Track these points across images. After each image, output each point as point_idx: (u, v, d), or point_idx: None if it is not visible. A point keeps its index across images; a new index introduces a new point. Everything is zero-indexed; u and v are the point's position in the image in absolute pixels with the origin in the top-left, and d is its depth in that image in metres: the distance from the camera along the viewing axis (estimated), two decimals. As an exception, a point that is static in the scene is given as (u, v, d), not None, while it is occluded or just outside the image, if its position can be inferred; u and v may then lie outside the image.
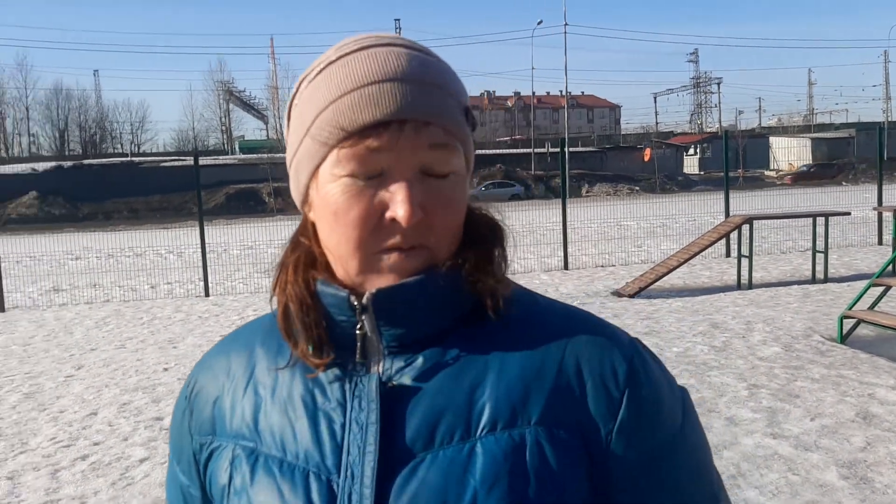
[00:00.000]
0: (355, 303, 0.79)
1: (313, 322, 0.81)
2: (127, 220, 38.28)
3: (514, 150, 61.04)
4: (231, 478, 0.83)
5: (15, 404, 6.74)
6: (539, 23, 63.43)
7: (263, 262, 16.82)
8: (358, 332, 0.80)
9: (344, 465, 0.77)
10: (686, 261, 10.89)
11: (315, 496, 0.76)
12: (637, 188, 44.26)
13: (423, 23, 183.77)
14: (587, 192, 45.85)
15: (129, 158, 57.66)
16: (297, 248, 0.85)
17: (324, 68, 0.79)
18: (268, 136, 78.55)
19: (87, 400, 6.72)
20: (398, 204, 0.75)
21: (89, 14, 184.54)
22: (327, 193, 0.78)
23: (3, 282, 12.14)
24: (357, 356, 0.81)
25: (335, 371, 0.81)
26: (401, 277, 0.78)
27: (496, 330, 0.81)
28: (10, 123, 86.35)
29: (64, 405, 6.60)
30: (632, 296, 10.38)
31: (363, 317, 0.79)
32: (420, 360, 0.80)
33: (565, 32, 54.63)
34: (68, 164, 49.68)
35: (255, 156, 53.47)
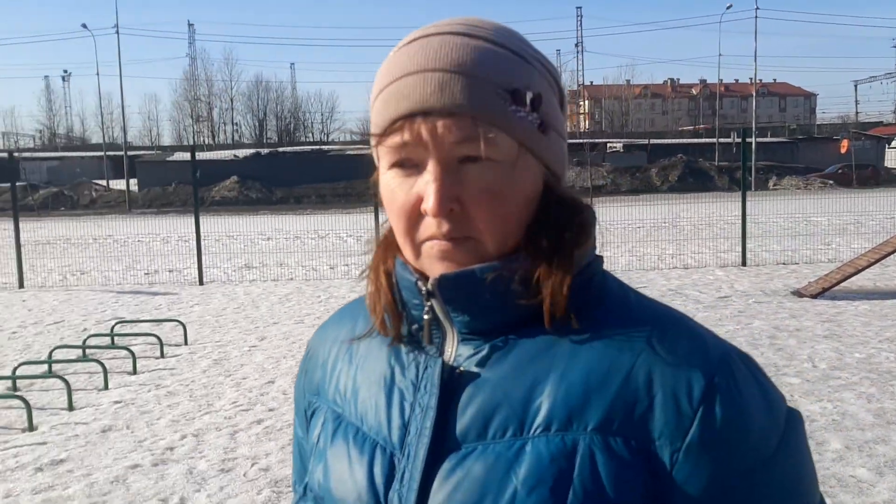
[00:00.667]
0: (423, 288, 0.80)
1: (392, 302, 0.85)
2: (315, 204, 40.41)
3: (697, 140, 58.55)
4: (319, 437, 0.89)
5: (205, 369, 7.43)
6: (728, 7, 60.02)
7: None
8: (426, 316, 0.82)
9: (405, 443, 0.80)
10: (877, 261, 10.02)
11: (377, 468, 0.80)
12: (830, 182, 41.05)
13: (607, 10, 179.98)
14: (775, 184, 43.13)
15: (318, 146, 60.96)
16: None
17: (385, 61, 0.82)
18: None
19: (266, 369, 7.29)
20: (428, 197, 0.76)
21: (289, 9, 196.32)
22: (382, 183, 0.81)
23: (203, 258, 13.30)
24: (425, 339, 0.83)
25: (416, 352, 0.84)
26: (453, 266, 0.78)
27: (571, 327, 0.78)
28: (216, 113, 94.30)
29: (246, 373, 7.20)
30: (814, 296, 9.72)
31: (431, 301, 0.81)
32: (487, 349, 0.80)
33: (756, 17, 51.54)
34: (265, 151, 53.24)
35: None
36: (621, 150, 54.00)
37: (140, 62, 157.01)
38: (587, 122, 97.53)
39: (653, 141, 57.25)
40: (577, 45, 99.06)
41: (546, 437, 0.74)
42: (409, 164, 0.78)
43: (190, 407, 6.21)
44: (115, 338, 8.47)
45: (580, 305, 0.78)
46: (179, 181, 42.86)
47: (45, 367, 7.38)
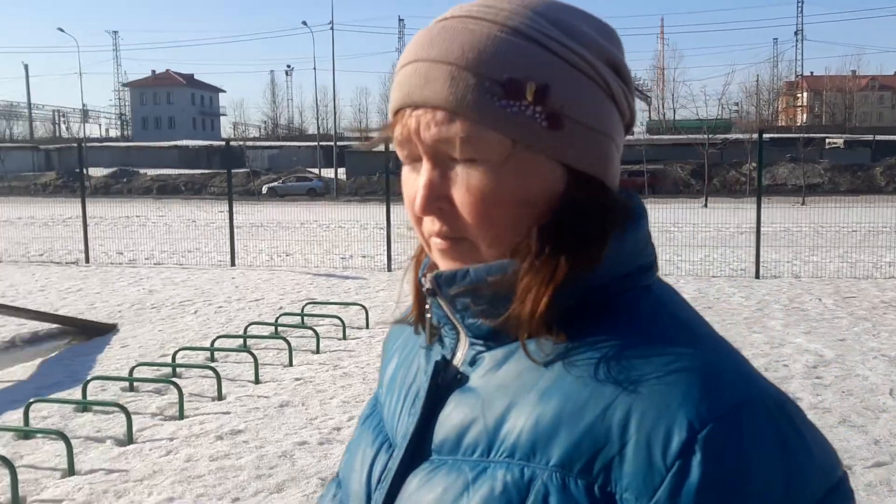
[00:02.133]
0: (425, 285, 0.77)
1: (417, 297, 0.83)
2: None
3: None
4: (360, 420, 0.92)
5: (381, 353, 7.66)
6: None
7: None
8: (427, 315, 0.80)
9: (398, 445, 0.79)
10: None
11: (378, 465, 0.80)
12: None
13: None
14: None
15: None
16: None
17: None
18: (650, 117, 77.79)
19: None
20: (417, 195, 0.72)
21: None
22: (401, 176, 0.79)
23: (393, 245, 13.80)
24: (426, 338, 0.82)
25: (438, 351, 0.80)
26: (455, 265, 0.74)
27: (570, 343, 0.70)
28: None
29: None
30: None
31: (435, 299, 0.77)
32: (484, 357, 0.75)
33: None
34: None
35: (632, 137, 53.39)
36: (842, 147, 49.79)
37: (353, 57, 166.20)
38: (805, 116, 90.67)
39: (879, 137, 52.08)
40: (796, 34, 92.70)
41: (507, 464, 0.67)
42: (414, 159, 0.75)
43: (362, 389, 6.42)
44: (305, 318, 8.98)
45: (580, 323, 0.70)
46: (384, 171, 44.90)
47: (241, 341, 7.95)
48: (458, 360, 0.77)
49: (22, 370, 7.28)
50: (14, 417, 5.68)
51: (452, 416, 0.73)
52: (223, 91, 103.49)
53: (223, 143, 16.45)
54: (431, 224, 0.74)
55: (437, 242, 0.75)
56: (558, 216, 0.71)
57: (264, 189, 44.65)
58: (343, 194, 43.69)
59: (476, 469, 0.69)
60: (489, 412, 0.71)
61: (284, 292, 11.39)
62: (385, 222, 13.77)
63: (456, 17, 0.72)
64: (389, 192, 14.03)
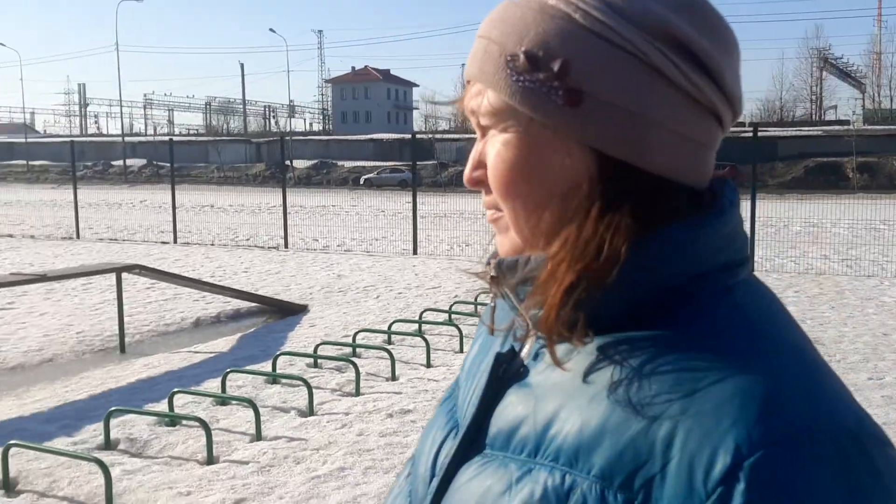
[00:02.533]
0: (490, 272, 0.74)
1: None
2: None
3: None
4: (440, 402, 0.89)
5: (550, 345, 7.72)
6: None
7: (822, 241, 15.66)
8: (492, 304, 0.79)
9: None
10: None
11: (444, 450, 0.77)
12: None
13: None
14: None
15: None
16: None
17: None
18: (864, 106, 71.39)
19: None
20: None
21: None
22: None
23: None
24: (490, 328, 0.80)
25: (510, 342, 0.77)
26: (501, 241, 0.74)
27: (626, 347, 0.65)
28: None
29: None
30: None
31: (496, 286, 0.74)
32: (545, 352, 0.70)
33: None
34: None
35: (841, 127, 49.41)
36: None
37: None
38: None
39: None
40: None
41: (551, 468, 0.64)
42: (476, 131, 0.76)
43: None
44: (478, 307, 9.20)
45: (642, 325, 0.65)
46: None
47: (416, 326, 8.31)
48: (525, 352, 0.73)
49: (224, 343, 8.07)
50: (213, 385, 6.33)
51: (507, 410, 0.70)
52: (416, 85, 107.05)
53: (411, 136, 17.01)
54: (484, 195, 0.74)
55: (488, 214, 0.75)
56: (581, 206, 0.66)
57: (361, 180, 46.76)
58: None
59: (521, 469, 0.66)
60: (540, 411, 0.67)
61: (461, 281, 11.71)
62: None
63: None
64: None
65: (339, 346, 7.44)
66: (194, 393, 5.90)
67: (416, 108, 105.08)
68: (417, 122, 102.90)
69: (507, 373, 0.73)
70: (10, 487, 4.39)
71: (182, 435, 5.17)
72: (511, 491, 0.65)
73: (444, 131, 63.46)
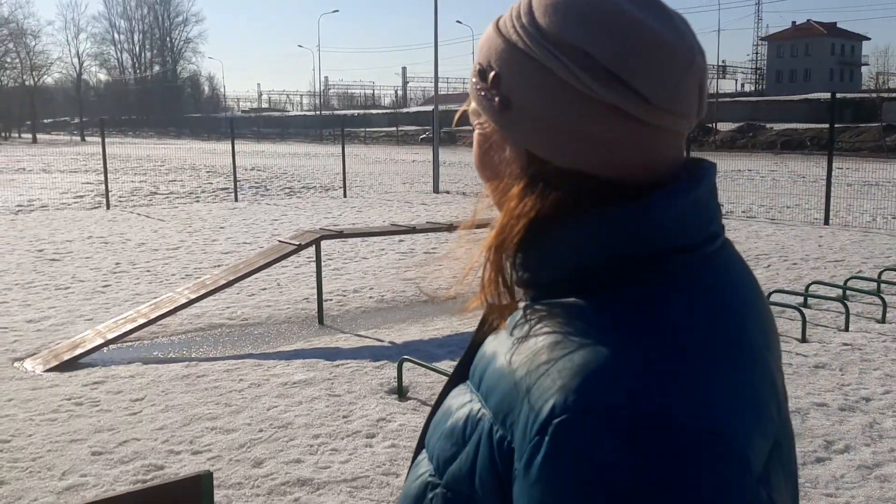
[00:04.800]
0: None
1: None
2: None
3: None
4: None
5: (960, 334, 6.73)
6: None
7: None
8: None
9: None
10: None
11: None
12: None
13: None
14: None
15: None
16: None
17: None
18: None
19: None
20: None
21: None
22: None
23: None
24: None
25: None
26: None
27: (539, 312, 0.76)
28: None
29: None
30: None
31: None
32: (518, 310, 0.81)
33: None
34: None
35: None
36: None
37: None
38: None
39: None
40: None
41: (479, 398, 0.79)
42: None
43: None
44: (881, 284, 8.33)
45: (570, 296, 0.74)
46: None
47: (801, 298, 7.85)
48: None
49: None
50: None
51: (479, 352, 0.84)
52: (867, 38, 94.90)
53: (859, 95, 15.44)
54: None
55: None
56: (509, 189, 0.79)
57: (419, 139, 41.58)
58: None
59: (468, 397, 0.81)
60: (487, 353, 0.81)
61: (870, 256, 10.57)
62: None
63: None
64: None
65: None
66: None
67: (866, 65, 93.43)
68: (866, 80, 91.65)
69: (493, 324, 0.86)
70: (402, 393, 5.42)
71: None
72: (459, 409, 0.81)
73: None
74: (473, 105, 0.83)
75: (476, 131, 0.84)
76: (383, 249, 11.48)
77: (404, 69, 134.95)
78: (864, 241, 11.79)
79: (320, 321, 7.66)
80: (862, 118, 45.77)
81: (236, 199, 19.53)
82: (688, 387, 0.66)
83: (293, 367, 6.05)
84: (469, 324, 7.40)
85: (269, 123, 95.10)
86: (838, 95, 17.65)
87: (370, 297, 8.69)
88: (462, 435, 0.77)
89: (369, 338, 7.05)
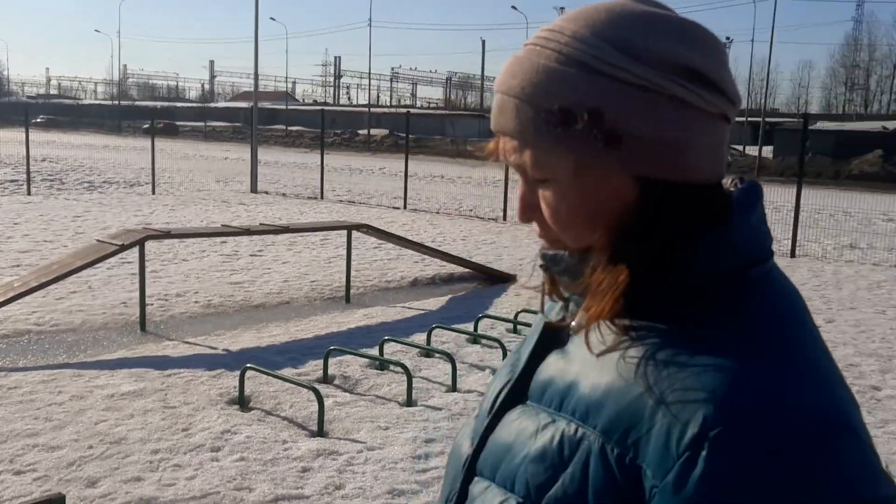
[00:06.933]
0: (539, 261, 0.88)
1: None
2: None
3: None
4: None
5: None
6: None
7: None
8: (543, 283, 0.92)
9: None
10: None
11: (501, 395, 0.89)
12: None
13: None
14: None
15: None
16: None
17: None
18: None
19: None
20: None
21: None
22: None
23: (799, 231, 12.94)
24: (540, 305, 0.94)
25: (562, 314, 0.91)
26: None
27: (644, 332, 0.75)
28: (873, 81, 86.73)
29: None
30: None
31: (546, 272, 0.88)
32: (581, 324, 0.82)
33: None
34: (921, 123, 47.26)
35: None
36: None
37: (798, 27, 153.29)
38: None
39: None
40: None
41: (569, 420, 0.77)
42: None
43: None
44: None
45: (677, 311, 0.75)
46: (817, 152, 41.22)
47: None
48: (571, 324, 0.85)
49: (434, 302, 8.66)
50: (420, 338, 6.87)
51: (545, 370, 0.84)
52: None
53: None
54: (533, 227, 0.85)
55: (542, 242, 0.87)
56: (626, 222, 0.77)
57: None
58: (766, 173, 41.23)
59: (548, 418, 0.79)
60: (568, 374, 0.80)
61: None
62: (794, 206, 12.95)
63: (529, 44, 0.80)
64: (802, 176, 13.06)
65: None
66: (403, 343, 6.49)
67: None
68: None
69: (553, 339, 0.86)
70: (244, 403, 5.18)
71: (388, 378, 5.76)
72: (538, 434, 0.79)
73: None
74: (542, 155, 0.79)
75: (557, 184, 0.79)
76: (204, 251, 10.92)
77: (212, 62, 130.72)
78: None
79: (142, 327, 7.18)
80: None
81: (29, 193, 17.89)
82: (815, 384, 0.70)
83: (119, 377, 5.61)
84: (305, 330, 7.23)
85: (60, 111, 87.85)
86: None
87: (196, 302, 8.24)
88: (559, 457, 0.76)
89: (200, 345, 6.67)
